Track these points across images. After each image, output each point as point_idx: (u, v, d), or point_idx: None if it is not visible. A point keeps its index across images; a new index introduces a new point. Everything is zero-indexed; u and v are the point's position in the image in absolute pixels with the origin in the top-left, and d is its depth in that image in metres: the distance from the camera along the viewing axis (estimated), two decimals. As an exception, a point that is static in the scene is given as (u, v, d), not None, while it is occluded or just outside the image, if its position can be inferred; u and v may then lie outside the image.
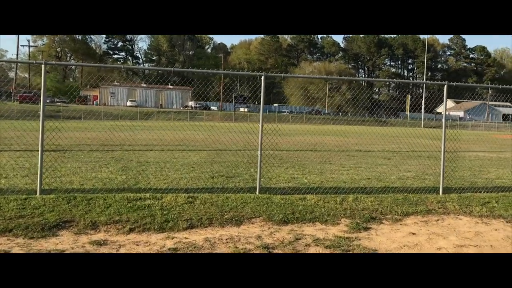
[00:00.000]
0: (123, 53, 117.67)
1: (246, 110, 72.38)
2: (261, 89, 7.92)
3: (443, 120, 8.85)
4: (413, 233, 6.00)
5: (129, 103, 74.32)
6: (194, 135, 19.51)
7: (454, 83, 8.75)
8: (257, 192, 7.59)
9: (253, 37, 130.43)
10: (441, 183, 8.55)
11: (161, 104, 79.94)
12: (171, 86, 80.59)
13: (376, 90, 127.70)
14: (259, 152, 7.78)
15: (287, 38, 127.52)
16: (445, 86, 8.68)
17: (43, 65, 7.18)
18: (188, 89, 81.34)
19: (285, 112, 73.73)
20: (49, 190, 7.22)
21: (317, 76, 9.84)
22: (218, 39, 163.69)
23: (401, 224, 6.40)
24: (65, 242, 5.07)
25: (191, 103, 79.50)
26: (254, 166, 11.20)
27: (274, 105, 79.70)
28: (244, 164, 11.84)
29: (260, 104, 7.84)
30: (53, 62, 7.60)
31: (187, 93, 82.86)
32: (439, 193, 8.37)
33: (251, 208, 6.62)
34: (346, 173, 10.76)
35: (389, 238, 5.72)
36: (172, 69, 7.77)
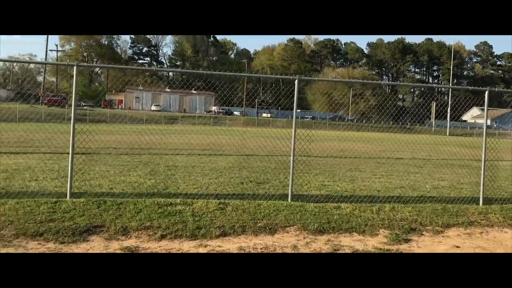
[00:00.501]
0: (148, 58, 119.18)
1: (268, 115, 72.22)
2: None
3: (484, 128, 8.43)
4: (457, 246, 5.67)
5: (153, 108, 75.01)
6: (219, 140, 19.40)
7: (496, 89, 8.34)
8: (289, 200, 7.35)
9: (276, 42, 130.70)
10: (481, 194, 8.15)
11: (184, 109, 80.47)
12: (195, 91, 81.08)
13: (401, 97, 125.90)
14: (291, 158, 7.54)
15: (310, 44, 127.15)
16: (486, 92, 8.29)
17: (75, 67, 7.10)
18: (211, 94, 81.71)
19: (307, 117, 73.28)
20: (79, 193, 7.13)
21: (353, 80, 9.54)
22: (241, 44, 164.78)
23: (443, 236, 6.08)
24: (96, 248, 4.94)
25: (214, 108, 79.80)
26: (283, 172, 10.97)
27: (297, 110, 79.08)
28: (272, 170, 11.62)
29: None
30: (85, 64, 7.53)
31: (211, 98, 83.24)
32: (479, 204, 7.97)
33: (284, 216, 6.38)
34: (378, 181, 10.42)
35: (432, 251, 5.41)
36: (205, 72, 7.62)
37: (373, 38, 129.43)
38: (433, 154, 19.89)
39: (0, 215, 5.70)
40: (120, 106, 78.23)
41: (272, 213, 6.52)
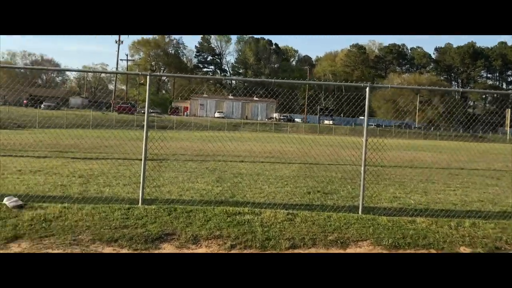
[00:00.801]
0: (212, 67, 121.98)
1: (330, 122, 71.26)
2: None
3: None
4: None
5: (217, 114, 76.63)
6: (282, 147, 19.31)
7: None
8: (359, 212, 7.07)
9: (338, 48, 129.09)
10: None
11: (246, 116, 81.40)
12: (257, 98, 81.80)
13: (471, 104, 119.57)
14: (362, 168, 7.26)
15: (374, 49, 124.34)
16: None
17: (148, 77, 7.31)
18: (273, 101, 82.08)
19: (372, 125, 71.45)
20: (150, 200, 7.28)
21: (428, 87, 9.04)
22: (303, 51, 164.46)
23: (533, 258, 5.55)
24: (168, 256, 4.97)
25: (275, 115, 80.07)
26: (350, 183, 10.65)
27: (360, 118, 77.61)
28: (339, 179, 11.32)
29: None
30: (158, 73, 7.69)
31: (272, 105, 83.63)
32: None
33: (356, 230, 6.13)
34: (453, 194, 9.82)
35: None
36: (273, 80, 7.55)
37: (441, 43, 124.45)
38: (510, 165, 18.59)
39: (78, 220, 5.92)
40: (185, 113, 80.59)
41: (342, 226, 6.29)
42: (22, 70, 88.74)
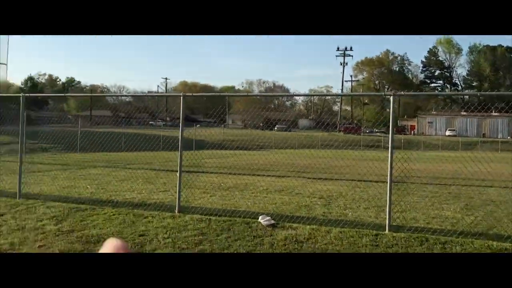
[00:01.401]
0: (441, 81, 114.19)
1: None
2: None
3: None
4: None
5: (448, 133, 71.12)
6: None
7: None
8: None
9: None
10: None
11: (483, 133, 73.10)
12: (496, 114, 72.80)
13: None
14: None
15: None
16: None
17: (391, 97, 7.06)
18: (516, 116, 71.73)
19: None
20: (395, 226, 6.90)
21: None
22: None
23: None
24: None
25: (521, 131, 69.69)
26: None
27: None
28: None
29: None
30: (402, 93, 7.41)
31: (516, 121, 73.12)
32: None
33: None
34: None
35: None
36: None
37: None
38: None
39: (327, 243, 5.97)
40: (412, 131, 77.34)
41: None
42: (258, 97, 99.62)
